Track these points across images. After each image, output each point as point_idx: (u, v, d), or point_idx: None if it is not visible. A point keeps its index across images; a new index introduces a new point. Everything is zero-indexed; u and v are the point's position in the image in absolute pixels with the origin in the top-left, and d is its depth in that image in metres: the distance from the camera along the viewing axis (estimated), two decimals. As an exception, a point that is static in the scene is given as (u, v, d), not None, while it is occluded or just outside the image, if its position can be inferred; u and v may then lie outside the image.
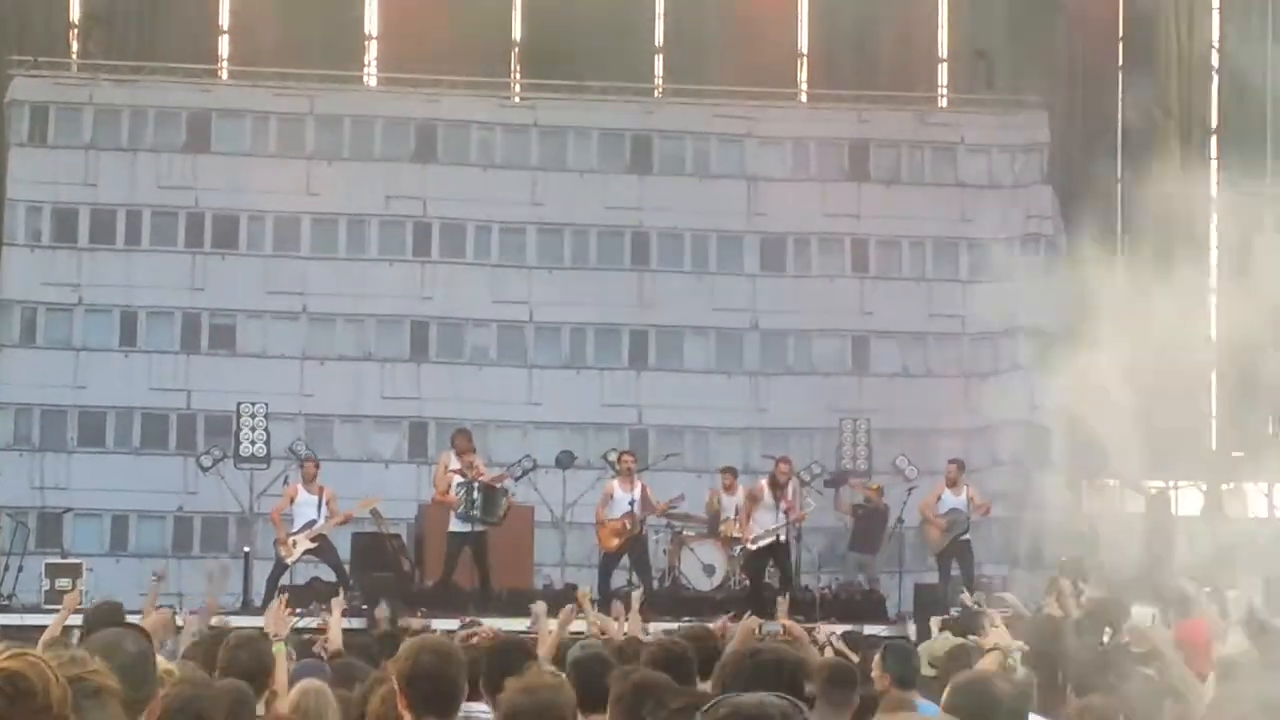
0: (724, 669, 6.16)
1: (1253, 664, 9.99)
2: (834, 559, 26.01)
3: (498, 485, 22.92)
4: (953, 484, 24.02)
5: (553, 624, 13.79)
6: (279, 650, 10.15)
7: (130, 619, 10.34)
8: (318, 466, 23.28)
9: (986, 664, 8.60)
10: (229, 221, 27.49)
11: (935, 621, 19.70)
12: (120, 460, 26.71)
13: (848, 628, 19.74)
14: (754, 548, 23.36)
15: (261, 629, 10.39)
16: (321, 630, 15.36)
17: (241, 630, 9.95)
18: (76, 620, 14.62)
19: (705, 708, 4.49)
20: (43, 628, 14.55)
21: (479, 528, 22.62)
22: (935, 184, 28.67)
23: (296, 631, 16.51)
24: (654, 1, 29.53)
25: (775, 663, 6.13)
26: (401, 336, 27.72)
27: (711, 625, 13.93)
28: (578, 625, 15.78)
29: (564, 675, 8.64)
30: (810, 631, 15.58)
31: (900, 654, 9.65)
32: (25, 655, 3.58)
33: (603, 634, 13.73)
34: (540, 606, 14.81)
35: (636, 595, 16.66)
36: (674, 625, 18.99)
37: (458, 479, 22.75)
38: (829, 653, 13.31)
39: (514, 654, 7.89)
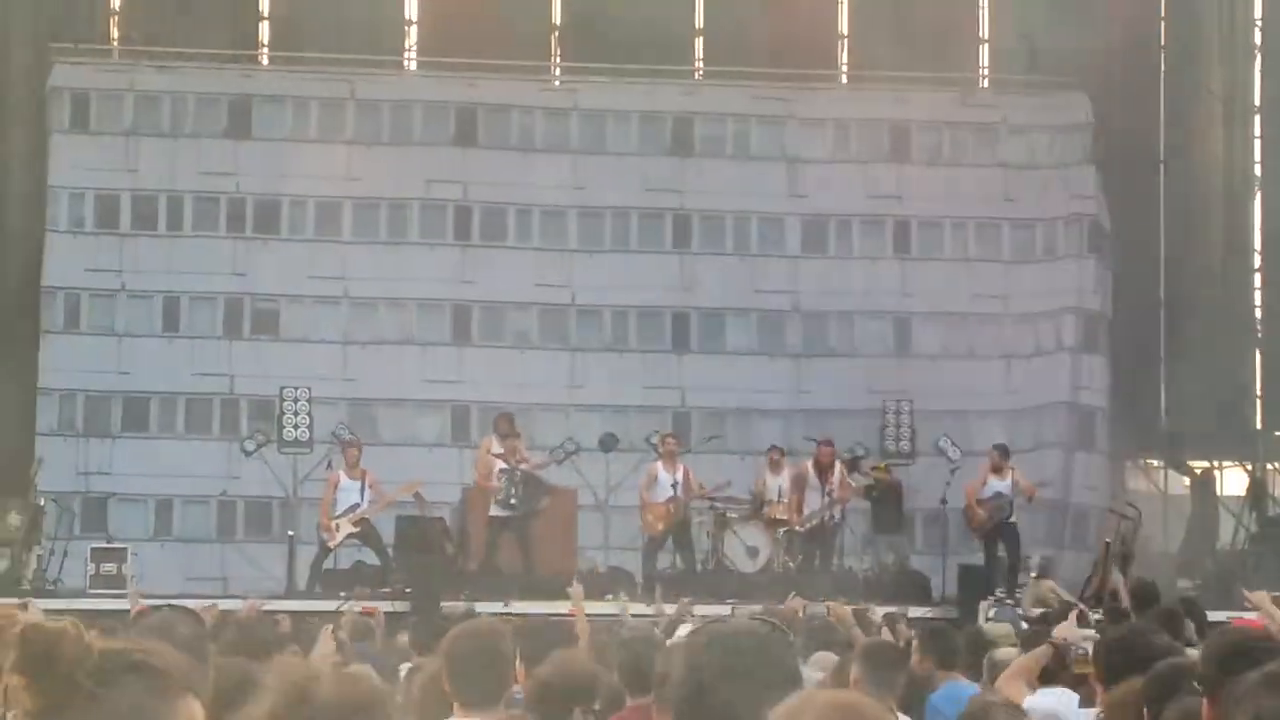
0: None
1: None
2: (869, 542, 25.94)
3: (539, 477, 22.85)
4: (997, 470, 23.87)
5: (603, 606, 13.80)
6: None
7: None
8: (360, 450, 23.28)
9: (1026, 663, 8.49)
10: (270, 207, 27.53)
11: (984, 606, 19.57)
12: (164, 445, 26.78)
13: (891, 609, 19.67)
14: (803, 530, 23.33)
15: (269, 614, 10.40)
16: (369, 613, 15.39)
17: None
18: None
19: (687, 635, 4.43)
20: (88, 613, 14.58)
21: (517, 514, 22.60)
22: (977, 165, 28.56)
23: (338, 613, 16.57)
24: (693, -16, 29.46)
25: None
26: (443, 320, 27.73)
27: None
28: (608, 609, 15.78)
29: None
30: (865, 613, 15.51)
31: (940, 637, 9.60)
32: (57, 620, 3.54)
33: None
34: (578, 589, 14.74)
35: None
36: (721, 608, 19.05)
37: (500, 465, 22.73)
38: (885, 634, 13.26)
39: (551, 637, 7.86)
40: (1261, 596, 11.11)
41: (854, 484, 24.14)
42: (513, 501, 22.52)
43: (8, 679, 3.44)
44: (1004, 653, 7.90)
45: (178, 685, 3.42)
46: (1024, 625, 12.86)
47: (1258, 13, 30.34)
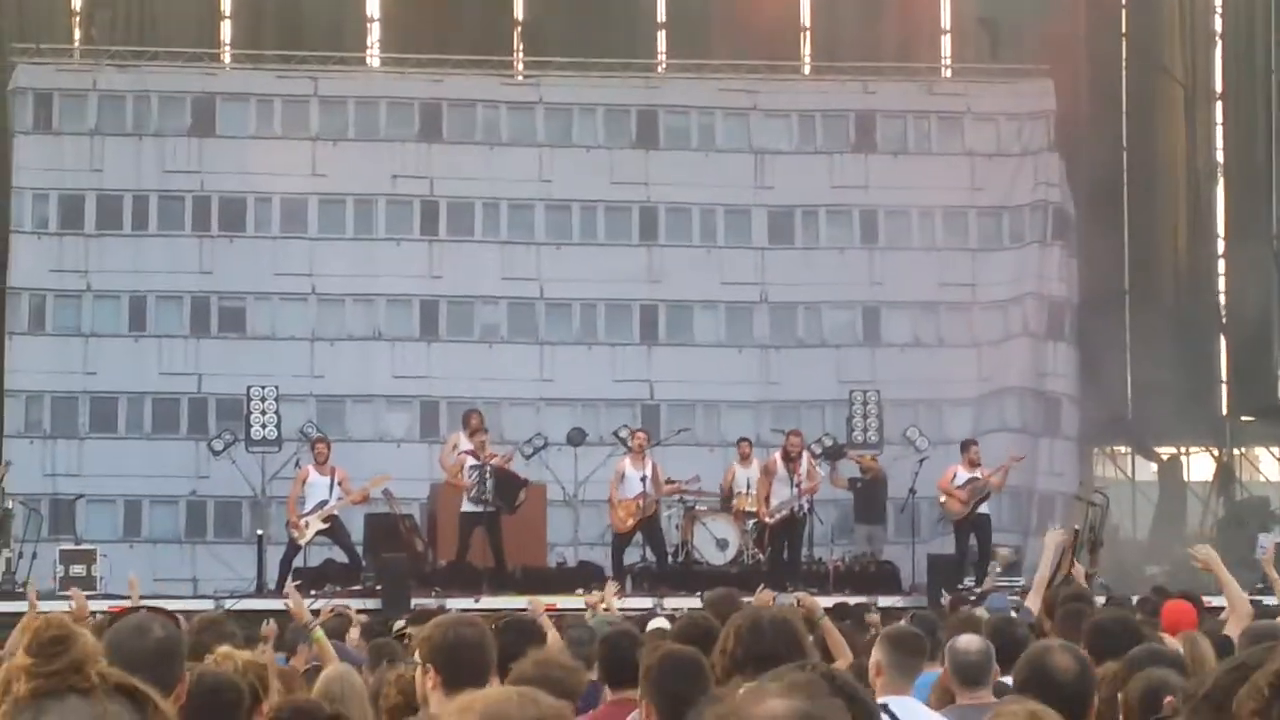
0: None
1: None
2: (846, 531, 26.00)
3: (515, 473, 22.86)
4: (974, 464, 23.98)
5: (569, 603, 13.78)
6: (318, 637, 10.30)
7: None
8: (329, 447, 23.24)
9: None
10: (236, 204, 27.46)
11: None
12: (132, 446, 26.71)
13: (862, 599, 19.73)
14: (771, 522, 23.34)
15: (226, 611, 10.40)
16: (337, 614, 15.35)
17: (204, 613, 10.06)
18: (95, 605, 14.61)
19: None
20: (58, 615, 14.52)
21: (489, 509, 22.58)
22: (943, 153, 28.60)
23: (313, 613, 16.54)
24: (655, -24, 29.46)
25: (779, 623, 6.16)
26: (411, 316, 27.69)
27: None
28: (577, 604, 15.80)
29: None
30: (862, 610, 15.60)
31: (925, 625, 9.61)
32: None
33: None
34: (537, 603, 14.69)
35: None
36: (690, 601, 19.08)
37: (471, 460, 22.71)
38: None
39: (524, 634, 7.89)
40: (1208, 551, 11.18)
41: (822, 474, 24.18)
42: (486, 497, 22.50)
43: (11, 660, 3.50)
44: (967, 640, 7.88)
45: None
46: (1013, 613, 12.88)
47: (1218, 0, 30.45)
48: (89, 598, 19.53)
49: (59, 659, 3.47)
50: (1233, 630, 10.48)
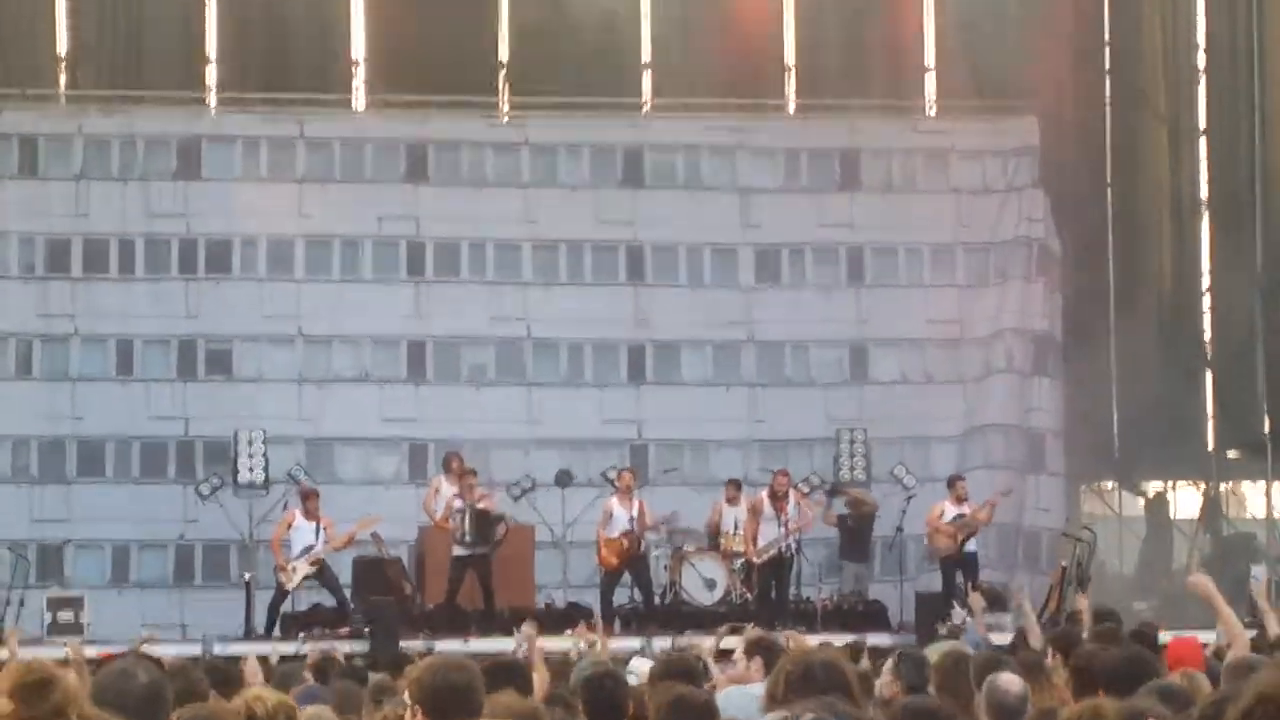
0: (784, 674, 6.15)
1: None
2: (833, 569, 26.00)
3: (490, 511, 22.93)
4: (961, 500, 24.05)
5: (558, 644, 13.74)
6: None
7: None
8: (319, 498, 23.23)
9: None
10: (222, 247, 27.46)
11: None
12: (120, 490, 26.64)
13: (853, 638, 19.69)
14: (758, 561, 23.36)
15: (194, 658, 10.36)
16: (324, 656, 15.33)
17: (171, 662, 10.12)
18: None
19: None
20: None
21: (478, 551, 22.66)
22: (928, 191, 28.67)
23: (300, 658, 16.53)
24: (639, 17, 29.48)
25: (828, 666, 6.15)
26: (398, 357, 27.68)
27: None
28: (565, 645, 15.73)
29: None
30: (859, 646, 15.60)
31: (914, 663, 9.58)
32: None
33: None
34: (530, 628, 14.56)
35: None
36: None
37: (458, 503, 22.80)
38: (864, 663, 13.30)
39: (509, 676, 7.89)
40: (1205, 581, 11.17)
41: (811, 512, 24.17)
42: (468, 539, 22.57)
43: None
44: (1007, 679, 7.81)
45: None
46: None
47: (1201, 37, 30.56)
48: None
49: (42, 703, 3.48)
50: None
